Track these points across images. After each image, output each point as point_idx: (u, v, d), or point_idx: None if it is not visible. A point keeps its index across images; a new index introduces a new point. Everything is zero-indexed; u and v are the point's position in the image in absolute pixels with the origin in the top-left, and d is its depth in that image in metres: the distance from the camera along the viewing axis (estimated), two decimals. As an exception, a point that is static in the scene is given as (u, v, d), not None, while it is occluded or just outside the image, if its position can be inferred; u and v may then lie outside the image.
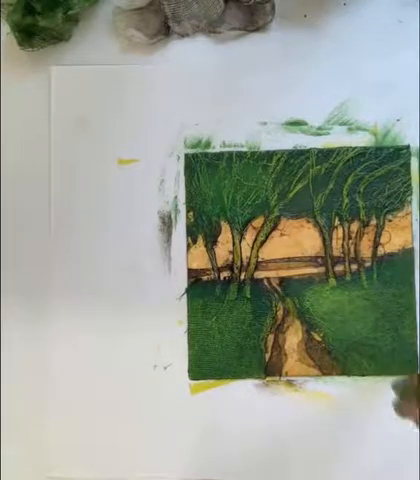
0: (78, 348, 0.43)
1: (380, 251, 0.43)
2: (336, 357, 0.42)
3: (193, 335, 0.43)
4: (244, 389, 0.42)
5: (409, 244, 0.42)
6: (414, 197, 0.43)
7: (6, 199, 0.44)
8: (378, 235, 0.43)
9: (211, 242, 0.43)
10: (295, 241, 0.43)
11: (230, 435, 0.42)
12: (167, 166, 0.43)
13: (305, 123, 0.43)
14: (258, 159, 0.43)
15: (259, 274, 0.43)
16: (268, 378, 0.42)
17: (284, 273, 0.43)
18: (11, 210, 0.44)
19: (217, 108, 0.43)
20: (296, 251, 0.43)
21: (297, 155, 0.43)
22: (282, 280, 0.43)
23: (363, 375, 0.42)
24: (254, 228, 0.43)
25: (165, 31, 0.43)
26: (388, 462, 0.41)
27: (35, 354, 0.43)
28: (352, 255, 0.43)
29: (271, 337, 0.42)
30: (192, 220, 0.43)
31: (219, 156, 0.43)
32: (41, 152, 0.44)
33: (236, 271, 0.43)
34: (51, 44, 0.43)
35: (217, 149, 0.43)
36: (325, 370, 0.42)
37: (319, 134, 0.43)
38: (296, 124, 0.43)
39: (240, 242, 0.43)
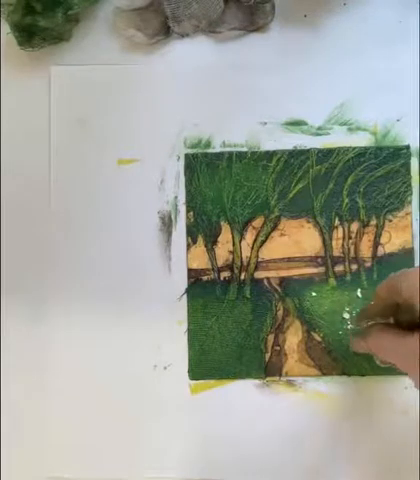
0: (78, 349, 0.43)
1: (380, 251, 0.43)
2: (336, 357, 0.42)
3: (193, 335, 0.43)
4: (244, 389, 0.42)
5: (409, 244, 0.42)
6: (414, 197, 0.43)
7: (6, 198, 0.44)
8: (378, 235, 0.43)
9: (211, 242, 0.43)
10: (295, 241, 0.43)
11: (230, 435, 0.42)
12: (167, 166, 0.43)
13: (305, 123, 0.43)
14: (258, 159, 0.43)
15: (259, 274, 0.43)
16: (268, 378, 0.42)
17: (284, 273, 0.43)
18: (11, 209, 0.44)
19: (217, 108, 0.43)
20: (296, 251, 0.43)
21: (297, 155, 0.43)
22: (282, 280, 0.43)
23: (363, 375, 0.42)
24: (254, 228, 0.43)
25: (165, 31, 0.43)
26: (388, 462, 0.41)
27: (35, 354, 0.43)
28: (352, 255, 0.43)
29: (271, 337, 0.42)
30: (192, 220, 0.43)
31: (219, 156, 0.43)
32: (41, 152, 0.44)
33: (236, 271, 0.43)
34: (51, 44, 0.43)
35: (217, 149, 0.43)
36: (325, 370, 0.42)
37: (319, 134, 0.43)
38: (296, 124, 0.43)
39: (240, 242, 0.43)
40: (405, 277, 0.32)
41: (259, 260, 0.43)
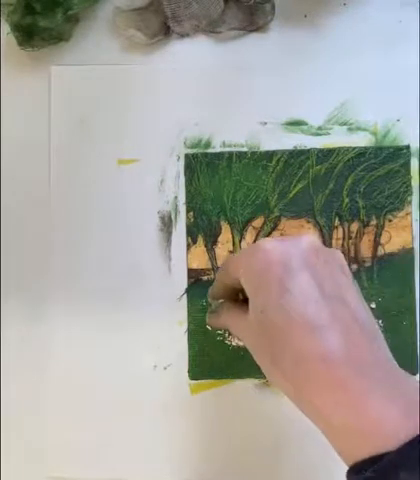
0: (78, 348, 0.43)
1: (380, 251, 0.43)
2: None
3: (193, 335, 0.43)
4: (244, 389, 0.42)
5: (409, 244, 0.42)
6: (414, 197, 0.43)
7: (6, 199, 0.44)
8: (378, 235, 0.43)
9: (211, 242, 0.43)
10: (295, 241, 0.43)
11: (230, 435, 0.42)
12: (167, 166, 0.43)
13: (305, 123, 0.43)
14: (258, 159, 0.43)
15: (259, 274, 0.43)
16: (268, 378, 0.42)
17: (284, 273, 0.43)
18: (11, 210, 0.44)
19: (217, 108, 0.43)
20: (296, 251, 0.43)
21: (297, 155, 0.43)
22: (282, 280, 0.43)
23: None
24: (254, 228, 0.43)
25: (165, 31, 0.43)
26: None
27: (35, 354, 0.43)
28: (352, 255, 0.43)
29: (271, 337, 0.42)
30: (192, 220, 0.43)
31: (219, 156, 0.43)
32: (41, 152, 0.44)
33: (236, 271, 0.43)
34: (51, 44, 0.43)
35: (217, 149, 0.43)
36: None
37: (319, 134, 0.43)
38: (296, 124, 0.43)
39: (240, 242, 0.43)
40: (231, 261, 0.33)
41: (259, 260, 0.43)
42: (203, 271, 0.43)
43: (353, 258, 0.43)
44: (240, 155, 0.43)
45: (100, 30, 0.44)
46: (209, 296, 0.41)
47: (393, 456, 0.23)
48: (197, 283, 0.43)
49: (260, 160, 0.43)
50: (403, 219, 0.43)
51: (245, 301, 0.33)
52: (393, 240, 0.43)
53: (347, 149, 0.43)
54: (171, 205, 0.43)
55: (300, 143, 0.43)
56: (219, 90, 0.43)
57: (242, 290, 0.33)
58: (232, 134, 0.43)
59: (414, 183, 0.43)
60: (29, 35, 0.42)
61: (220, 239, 0.43)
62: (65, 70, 0.44)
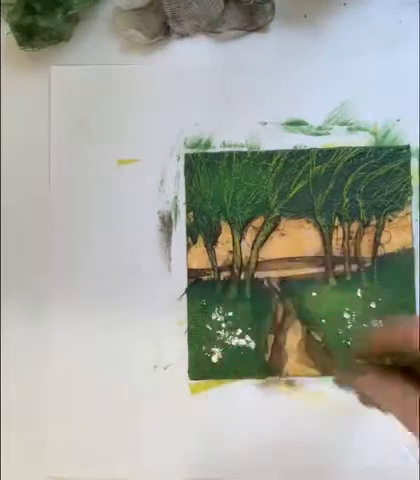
0: (78, 348, 0.43)
1: (380, 251, 0.43)
2: (336, 357, 0.42)
3: (193, 335, 0.43)
4: (244, 389, 0.42)
5: (409, 244, 0.42)
6: (414, 197, 0.43)
7: (6, 199, 0.44)
8: (378, 235, 0.43)
9: (211, 242, 0.43)
10: (295, 241, 0.43)
11: (230, 435, 0.42)
12: (167, 166, 0.43)
13: (305, 123, 0.43)
14: (258, 159, 0.43)
15: (259, 274, 0.43)
16: (268, 378, 0.42)
17: (284, 273, 0.43)
18: (11, 208, 0.44)
19: (217, 108, 0.43)
20: (296, 251, 0.43)
21: (297, 155, 0.43)
22: (282, 280, 0.43)
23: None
24: (254, 228, 0.43)
25: (165, 31, 0.43)
26: (388, 462, 0.41)
27: (35, 354, 0.43)
28: (352, 255, 0.43)
29: (271, 337, 0.42)
30: (192, 220, 0.43)
31: (219, 156, 0.43)
32: (41, 152, 0.44)
33: (236, 271, 0.43)
34: (51, 44, 0.43)
35: (217, 149, 0.43)
36: (325, 370, 0.42)
37: (319, 134, 0.43)
38: (296, 124, 0.43)
39: (240, 242, 0.43)
40: (412, 325, 0.28)
41: (259, 260, 0.43)
42: (203, 271, 0.43)
43: (353, 258, 0.43)
44: (240, 155, 0.43)
45: (100, 30, 0.44)
46: (353, 352, 0.36)
47: None
48: (197, 283, 0.43)
49: (260, 160, 0.43)
50: (403, 219, 0.43)
51: (392, 367, 0.30)
52: (393, 240, 0.43)
53: (347, 149, 0.43)
54: (171, 205, 0.43)
55: (300, 143, 0.43)
56: (219, 90, 0.43)
57: (392, 355, 0.30)
58: (232, 134, 0.43)
59: (414, 183, 0.43)
60: (29, 35, 0.42)
61: (220, 239, 0.43)
62: (65, 70, 0.44)
